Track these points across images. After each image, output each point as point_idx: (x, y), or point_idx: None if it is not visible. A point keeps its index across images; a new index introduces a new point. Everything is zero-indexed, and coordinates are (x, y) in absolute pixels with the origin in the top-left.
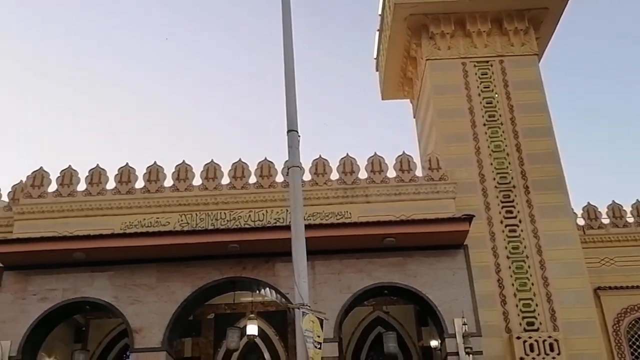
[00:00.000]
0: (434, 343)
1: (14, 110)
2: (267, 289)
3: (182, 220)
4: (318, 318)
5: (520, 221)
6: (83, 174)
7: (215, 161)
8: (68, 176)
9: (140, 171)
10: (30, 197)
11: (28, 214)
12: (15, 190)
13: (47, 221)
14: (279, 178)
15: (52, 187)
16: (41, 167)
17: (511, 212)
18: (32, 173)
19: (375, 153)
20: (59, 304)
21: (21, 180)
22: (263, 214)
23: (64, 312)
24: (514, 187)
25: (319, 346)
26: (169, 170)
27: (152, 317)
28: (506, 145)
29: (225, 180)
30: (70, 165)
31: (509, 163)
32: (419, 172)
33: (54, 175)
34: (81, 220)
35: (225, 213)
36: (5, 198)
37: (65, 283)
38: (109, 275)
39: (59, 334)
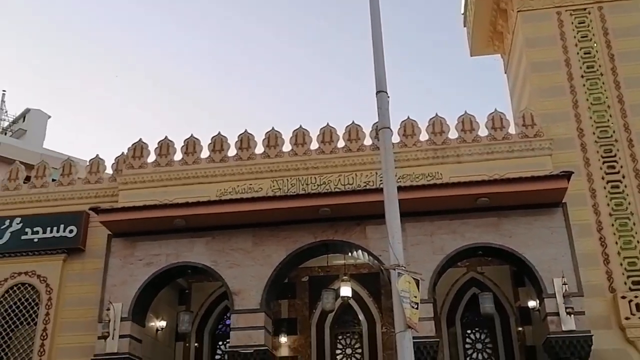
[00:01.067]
0: (531, 304)
1: (116, 88)
2: (359, 251)
3: (273, 186)
4: (414, 279)
5: (623, 177)
6: (179, 144)
7: (303, 127)
8: (165, 147)
9: (232, 139)
10: (131, 167)
11: (131, 184)
12: (118, 162)
13: (148, 190)
14: (367, 141)
15: (151, 158)
16: (140, 139)
17: (613, 167)
18: (132, 145)
19: (466, 111)
20: (163, 268)
21: (123, 153)
22: (352, 177)
23: (168, 276)
24: (616, 141)
25: (416, 306)
26: (259, 138)
27: (250, 280)
28: (607, 97)
29: (314, 145)
30: (166, 136)
31: (610, 116)
32: (512, 130)
33: (152, 146)
34: (179, 188)
35: (315, 178)
36: (109, 170)
37: (168, 248)
38: (208, 240)
39: (164, 296)
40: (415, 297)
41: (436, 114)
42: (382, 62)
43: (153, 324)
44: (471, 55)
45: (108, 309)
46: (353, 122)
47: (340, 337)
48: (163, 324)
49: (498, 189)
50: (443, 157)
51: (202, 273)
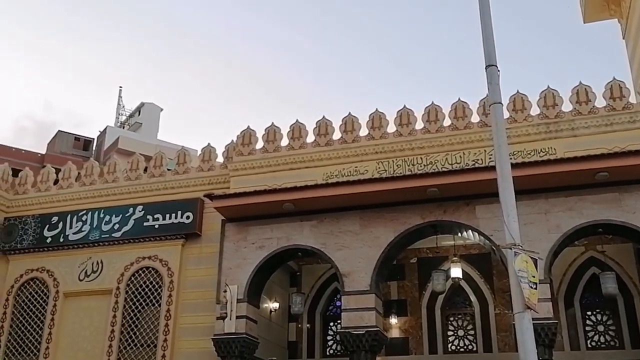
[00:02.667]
0: None
1: (219, 82)
2: (469, 231)
3: (379, 168)
4: (531, 258)
5: None
6: (285, 130)
7: (407, 107)
8: (272, 133)
9: (336, 123)
10: (241, 154)
11: (241, 170)
12: (229, 150)
13: (257, 176)
14: (475, 118)
15: (259, 145)
16: (248, 127)
17: None
18: (241, 132)
19: (580, 82)
20: (274, 251)
21: (232, 141)
22: (460, 156)
23: (279, 259)
24: None
25: (534, 286)
26: (363, 120)
27: (359, 261)
28: None
29: (419, 125)
30: (273, 123)
31: None
32: (632, 99)
33: (260, 133)
34: (287, 173)
35: (421, 158)
36: (220, 158)
37: (278, 232)
38: (316, 223)
39: (276, 278)
40: (534, 277)
41: (548, 87)
42: (491, 35)
43: (267, 305)
44: (584, 22)
45: (225, 291)
46: (459, 99)
47: (451, 319)
48: (276, 305)
49: (619, 162)
50: (556, 132)
51: (311, 255)
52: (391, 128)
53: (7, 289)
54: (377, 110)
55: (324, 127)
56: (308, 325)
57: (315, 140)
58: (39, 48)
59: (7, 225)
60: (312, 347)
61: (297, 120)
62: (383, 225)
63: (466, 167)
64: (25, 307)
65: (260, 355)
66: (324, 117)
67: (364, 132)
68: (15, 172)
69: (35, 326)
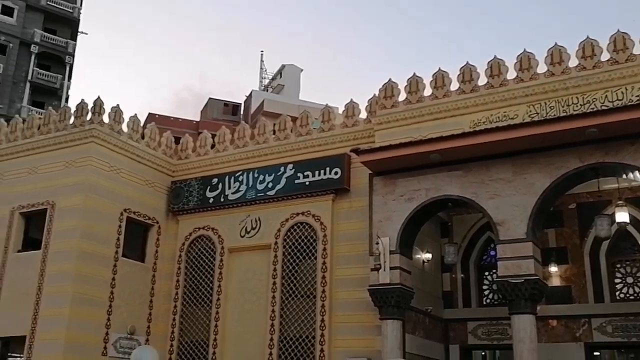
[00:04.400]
0: None
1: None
2: (635, 172)
3: (530, 111)
4: None
5: None
6: (427, 80)
7: (559, 44)
8: (414, 84)
9: (481, 67)
10: (384, 108)
11: (385, 124)
12: (371, 104)
13: (401, 128)
14: (637, 50)
15: (402, 97)
16: (390, 79)
17: None
18: (383, 86)
19: None
20: (423, 202)
21: (374, 94)
22: (622, 92)
23: (429, 210)
24: None
25: None
26: (509, 63)
27: (513, 209)
28: None
29: (573, 62)
30: (414, 73)
31: None
32: None
33: (401, 85)
34: (431, 123)
35: (576, 97)
36: (364, 112)
37: (426, 183)
38: (465, 172)
39: (427, 230)
40: None
41: None
42: None
43: (419, 256)
44: None
45: (377, 243)
46: (618, 30)
47: (618, 266)
48: (428, 256)
49: None
50: None
51: (462, 205)
52: (541, 68)
53: (179, 246)
54: (525, 50)
55: (468, 73)
56: (462, 275)
57: (459, 87)
58: (192, 23)
59: (174, 188)
60: (468, 297)
61: (439, 69)
62: (537, 171)
63: (630, 103)
64: (195, 262)
65: (415, 305)
66: (467, 62)
67: (511, 75)
68: (176, 140)
69: (205, 279)
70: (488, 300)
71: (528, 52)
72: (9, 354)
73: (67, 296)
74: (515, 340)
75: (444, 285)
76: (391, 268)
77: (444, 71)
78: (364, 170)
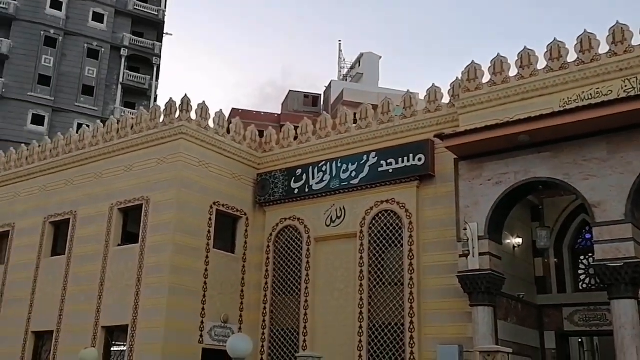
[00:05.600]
0: None
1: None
2: None
3: (625, 86)
4: None
5: None
6: (512, 60)
7: None
8: (499, 64)
9: (570, 43)
10: (467, 90)
11: (469, 107)
12: (454, 88)
13: (486, 111)
14: None
15: (486, 79)
16: (472, 62)
17: None
18: (466, 68)
19: None
20: (512, 186)
21: (457, 78)
22: None
23: (518, 194)
24: None
25: None
26: (601, 37)
27: (610, 190)
28: None
29: None
30: (498, 54)
31: None
32: None
33: (484, 67)
34: (518, 104)
35: None
36: (446, 97)
37: (515, 166)
38: (556, 153)
39: (516, 214)
40: None
41: None
42: None
43: (509, 241)
44: None
45: (465, 229)
46: None
47: None
48: (519, 240)
49: None
50: None
51: (553, 188)
52: (636, 40)
53: (267, 237)
54: (617, 22)
55: (556, 50)
56: (556, 259)
57: (547, 65)
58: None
59: (260, 180)
60: (563, 282)
61: (525, 47)
62: (636, 149)
63: None
64: (283, 252)
65: (507, 291)
66: (555, 39)
67: (603, 49)
68: (259, 133)
69: (293, 268)
70: (585, 285)
71: (622, 24)
72: (113, 342)
73: (164, 287)
74: (616, 326)
75: (536, 270)
76: (480, 254)
77: (530, 49)
78: (449, 156)
